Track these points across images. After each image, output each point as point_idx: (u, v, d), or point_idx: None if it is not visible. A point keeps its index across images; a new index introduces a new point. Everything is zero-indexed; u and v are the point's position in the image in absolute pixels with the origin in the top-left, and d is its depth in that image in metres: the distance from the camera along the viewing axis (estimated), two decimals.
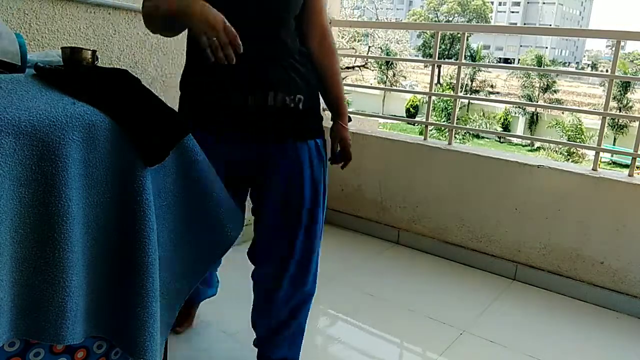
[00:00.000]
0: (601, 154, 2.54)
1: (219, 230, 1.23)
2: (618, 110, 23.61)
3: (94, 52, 1.11)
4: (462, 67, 2.92)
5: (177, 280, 1.19)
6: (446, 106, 22.57)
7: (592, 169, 2.41)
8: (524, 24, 58.04)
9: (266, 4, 1.25)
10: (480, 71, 29.28)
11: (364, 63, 19.73)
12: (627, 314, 2.26)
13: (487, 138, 23.66)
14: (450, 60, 20.14)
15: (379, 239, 2.91)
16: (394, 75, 28.14)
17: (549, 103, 24.68)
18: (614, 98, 23.25)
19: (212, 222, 1.21)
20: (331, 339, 1.97)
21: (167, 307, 1.17)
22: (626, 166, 2.58)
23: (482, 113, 24.33)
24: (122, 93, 1.06)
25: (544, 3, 61.61)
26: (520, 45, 53.93)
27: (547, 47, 52.37)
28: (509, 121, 25.04)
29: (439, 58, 2.88)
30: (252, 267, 2.65)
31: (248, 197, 1.51)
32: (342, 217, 3.06)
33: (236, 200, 1.30)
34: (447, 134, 2.83)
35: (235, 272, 2.35)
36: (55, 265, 0.93)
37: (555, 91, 27.46)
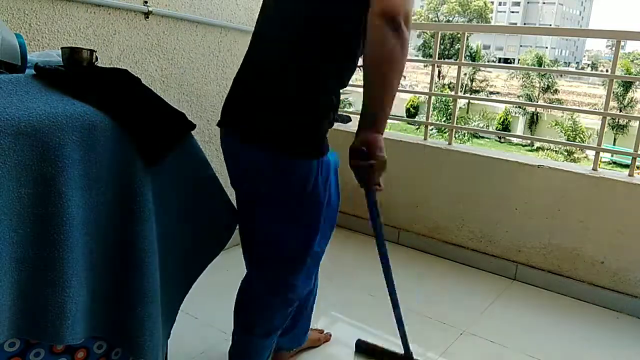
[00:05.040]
0: (601, 154, 2.54)
1: (216, 229, 1.23)
2: (619, 110, 23.60)
3: (93, 52, 1.11)
4: (462, 67, 2.93)
5: (177, 279, 1.19)
6: (446, 106, 22.57)
7: (592, 169, 2.41)
8: (524, 24, 58.06)
9: None
10: (481, 71, 29.30)
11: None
12: (627, 314, 2.26)
13: (487, 138, 23.66)
14: (450, 60, 20.16)
15: None
16: None
17: (549, 103, 24.70)
18: (615, 97, 23.26)
19: (210, 221, 1.21)
20: (331, 338, 1.97)
21: (168, 306, 1.17)
22: (626, 166, 2.58)
23: (482, 113, 24.31)
24: (122, 93, 1.06)
25: (544, 3, 61.62)
26: (520, 45, 53.93)
27: (547, 47, 52.36)
28: (509, 121, 25.04)
29: (439, 58, 2.88)
30: None
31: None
32: (342, 217, 3.05)
33: None
34: (447, 133, 2.83)
35: (235, 272, 2.36)
36: (54, 265, 0.93)
37: (556, 91, 27.45)
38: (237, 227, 1.40)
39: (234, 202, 1.35)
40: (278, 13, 1.24)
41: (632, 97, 24.82)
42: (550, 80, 26.69)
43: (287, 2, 1.22)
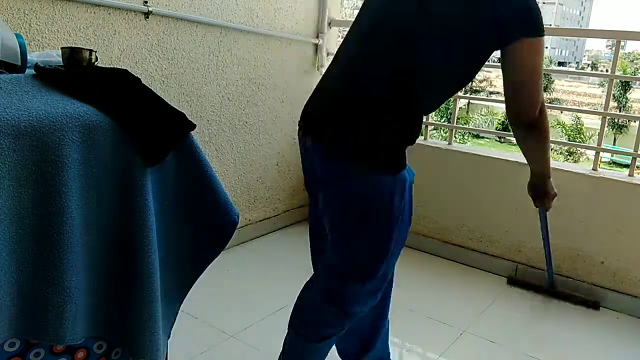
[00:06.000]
0: (601, 153, 2.54)
1: (216, 229, 1.23)
2: (618, 110, 23.61)
3: (93, 52, 1.11)
4: None
5: (177, 279, 1.19)
6: (446, 106, 22.55)
7: (592, 169, 2.40)
8: None
9: None
10: (481, 71, 29.27)
11: None
12: (627, 314, 2.26)
13: (487, 138, 23.64)
14: None
15: None
16: None
17: (549, 103, 24.73)
18: (614, 98, 23.29)
19: (210, 221, 1.21)
20: None
21: (168, 305, 1.17)
22: (626, 166, 2.57)
23: (482, 112, 24.28)
24: (122, 93, 1.06)
25: (544, 3, 61.63)
26: None
27: (547, 47, 52.38)
28: None
29: None
30: (251, 266, 2.64)
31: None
32: None
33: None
34: (447, 133, 2.83)
35: (235, 272, 2.36)
36: (54, 265, 0.93)
37: (551, 90, 27.43)
38: (309, 228, 1.46)
39: (234, 202, 1.35)
40: (382, 40, 1.20)
41: (631, 97, 24.83)
42: (546, 80, 26.68)
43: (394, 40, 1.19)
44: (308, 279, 1.44)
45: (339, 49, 1.34)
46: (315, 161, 1.26)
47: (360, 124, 1.16)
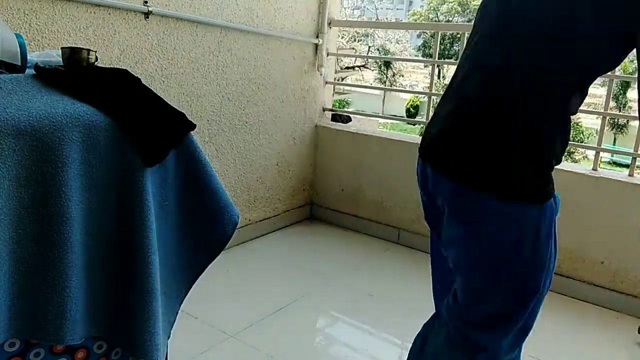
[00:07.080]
0: (601, 153, 2.54)
1: (216, 228, 1.23)
2: (618, 110, 23.61)
3: (94, 52, 1.11)
4: None
5: (177, 279, 1.19)
6: None
7: (592, 169, 2.40)
8: None
9: None
10: None
11: (363, 63, 19.75)
12: (627, 314, 2.26)
13: None
14: (450, 60, 20.12)
15: (379, 239, 2.91)
16: (393, 75, 28.14)
17: None
18: (614, 98, 23.31)
19: (210, 221, 1.21)
20: (331, 339, 1.97)
21: (168, 305, 1.17)
22: (626, 166, 2.57)
23: None
24: (122, 93, 1.06)
25: None
26: None
27: None
28: None
29: (438, 58, 2.89)
30: (251, 266, 2.64)
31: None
32: (342, 217, 3.06)
33: None
34: None
35: (235, 272, 2.36)
36: (54, 265, 0.93)
37: None
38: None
39: (234, 202, 1.35)
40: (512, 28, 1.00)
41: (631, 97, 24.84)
42: None
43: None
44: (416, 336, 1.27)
45: (459, 64, 1.15)
46: (438, 193, 1.06)
47: (498, 140, 0.95)
